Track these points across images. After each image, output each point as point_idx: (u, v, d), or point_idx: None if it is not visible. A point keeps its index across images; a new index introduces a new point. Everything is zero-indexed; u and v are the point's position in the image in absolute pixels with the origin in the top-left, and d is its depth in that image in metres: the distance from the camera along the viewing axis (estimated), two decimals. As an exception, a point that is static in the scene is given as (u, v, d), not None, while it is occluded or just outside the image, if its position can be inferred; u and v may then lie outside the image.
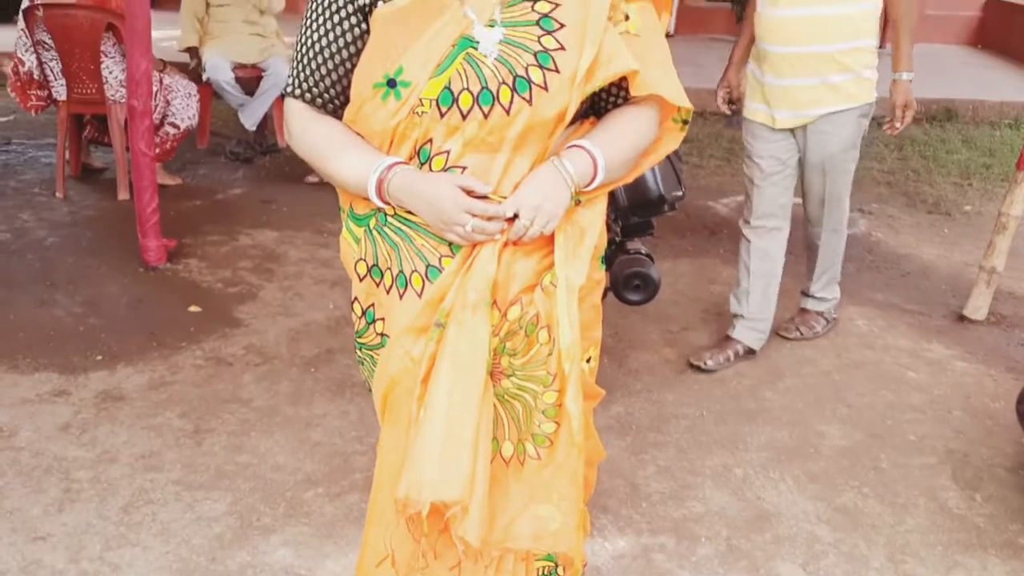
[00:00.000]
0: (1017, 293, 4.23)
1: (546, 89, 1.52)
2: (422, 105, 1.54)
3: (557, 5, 1.55)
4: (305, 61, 1.62)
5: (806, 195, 3.45)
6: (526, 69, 1.52)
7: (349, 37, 1.59)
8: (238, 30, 5.74)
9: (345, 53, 1.60)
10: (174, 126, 5.04)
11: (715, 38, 9.18)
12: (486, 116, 1.53)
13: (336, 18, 1.59)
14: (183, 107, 5.06)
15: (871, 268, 4.50)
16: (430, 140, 1.57)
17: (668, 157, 2.45)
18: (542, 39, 1.53)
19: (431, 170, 1.58)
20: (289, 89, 1.65)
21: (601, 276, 1.79)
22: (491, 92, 1.52)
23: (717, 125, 6.89)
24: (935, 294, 4.23)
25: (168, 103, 5.01)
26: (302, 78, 1.63)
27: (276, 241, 4.50)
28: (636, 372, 3.41)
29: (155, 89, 4.91)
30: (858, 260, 4.56)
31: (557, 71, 1.52)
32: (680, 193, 2.97)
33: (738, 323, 3.49)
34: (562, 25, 1.53)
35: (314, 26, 1.61)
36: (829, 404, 3.23)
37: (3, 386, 3.14)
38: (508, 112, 1.52)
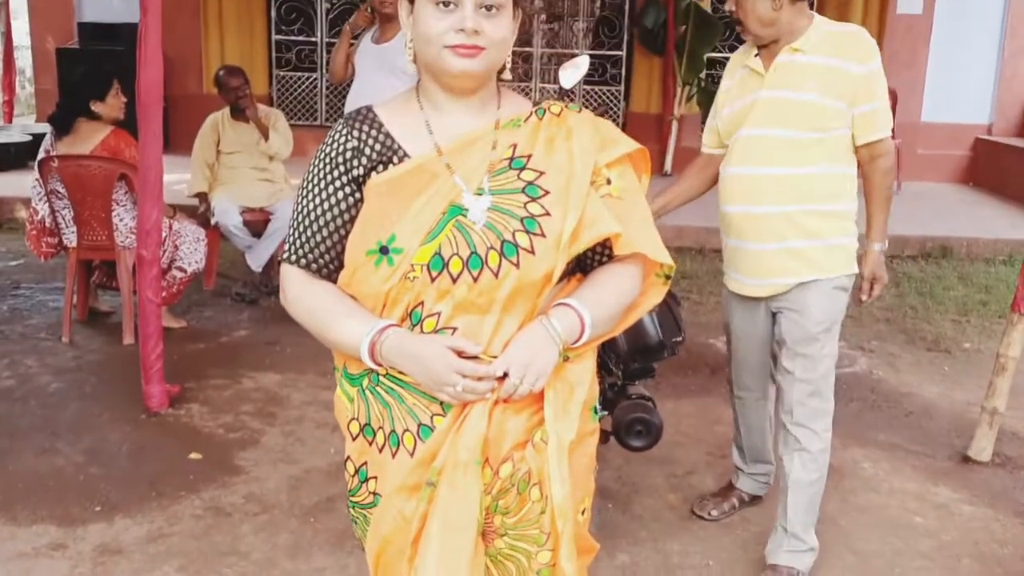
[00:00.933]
0: (1020, 433, 4.21)
1: (533, 253, 1.58)
2: (413, 270, 1.59)
3: (541, 173, 1.63)
4: (301, 229, 1.68)
5: (779, 384, 3.03)
6: (513, 234, 1.58)
7: (344, 206, 1.65)
8: (247, 176, 5.92)
9: (339, 221, 1.66)
10: (181, 270, 5.13)
11: (711, 177, 9.37)
12: (475, 279, 1.58)
13: (331, 188, 1.66)
14: (191, 251, 5.16)
15: (874, 408, 4.49)
16: (421, 303, 1.61)
17: (666, 302, 2.48)
18: (528, 205, 1.60)
19: (423, 332, 1.61)
20: (285, 255, 1.71)
21: (594, 427, 1.80)
22: (480, 256, 1.57)
23: (716, 262, 6.98)
24: (939, 434, 4.21)
25: (176, 248, 5.11)
26: (298, 245, 1.68)
27: (279, 384, 4.52)
28: (641, 518, 3.37)
29: (164, 235, 5.03)
30: (861, 400, 4.56)
31: (543, 235, 1.58)
32: (680, 338, 3.00)
33: (740, 474, 3.46)
34: (546, 192, 1.61)
35: (310, 195, 1.67)
36: (836, 551, 3.18)
37: (0, 539, 3.11)
38: (496, 275, 1.57)
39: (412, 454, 1.64)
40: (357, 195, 1.65)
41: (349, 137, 1.66)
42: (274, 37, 10.41)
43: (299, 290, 1.69)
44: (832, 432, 3.00)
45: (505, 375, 1.58)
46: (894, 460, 3.93)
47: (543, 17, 10.32)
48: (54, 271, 6.15)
